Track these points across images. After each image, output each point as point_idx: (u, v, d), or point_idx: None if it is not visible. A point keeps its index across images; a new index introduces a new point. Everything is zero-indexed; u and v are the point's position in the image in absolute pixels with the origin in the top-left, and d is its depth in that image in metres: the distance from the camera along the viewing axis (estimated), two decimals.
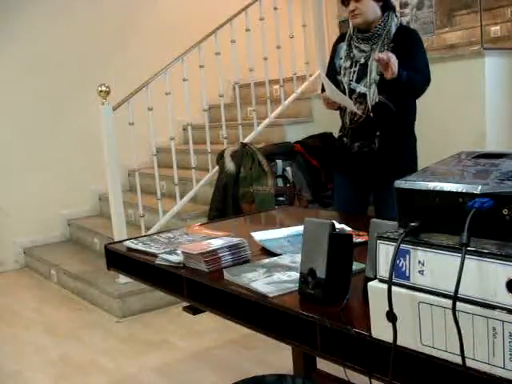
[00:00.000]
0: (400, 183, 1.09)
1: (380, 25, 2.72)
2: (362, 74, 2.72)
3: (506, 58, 3.87)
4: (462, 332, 0.94)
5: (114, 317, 3.61)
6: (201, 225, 2.28)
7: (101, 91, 3.58)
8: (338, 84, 2.76)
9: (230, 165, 3.86)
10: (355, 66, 2.76)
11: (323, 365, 2.24)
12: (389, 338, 1.05)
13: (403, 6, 4.33)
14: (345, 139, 2.85)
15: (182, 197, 4.16)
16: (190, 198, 4.21)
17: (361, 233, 1.78)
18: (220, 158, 4.00)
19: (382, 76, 2.64)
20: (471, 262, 0.94)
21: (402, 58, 2.61)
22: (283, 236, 1.91)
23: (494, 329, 0.92)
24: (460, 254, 0.94)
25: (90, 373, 2.90)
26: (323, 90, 2.79)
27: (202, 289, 1.65)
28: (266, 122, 4.53)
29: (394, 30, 2.72)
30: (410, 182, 1.08)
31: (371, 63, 2.71)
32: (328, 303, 1.30)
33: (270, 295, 1.40)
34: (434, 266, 1.00)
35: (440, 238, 1.02)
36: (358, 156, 2.80)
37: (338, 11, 4.87)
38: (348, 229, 1.86)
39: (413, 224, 1.05)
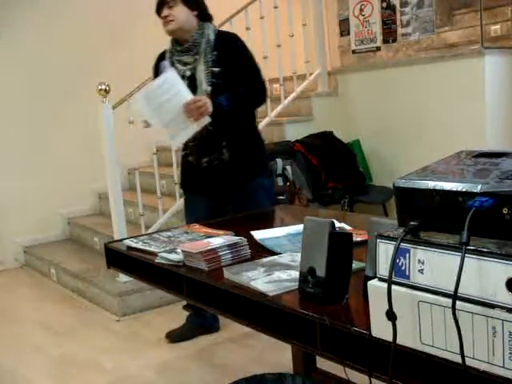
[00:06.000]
0: (400, 182, 1.09)
1: (197, 33, 2.67)
2: (192, 88, 2.63)
3: (506, 57, 3.87)
4: (462, 331, 0.94)
5: (113, 315, 3.61)
6: (201, 224, 2.28)
7: (100, 90, 3.57)
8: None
9: None
10: (183, 81, 2.65)
11: (323, 363, 2.25)
12: (388, 337, 1.05)
13: (403, 4, 4.33)
14: (190, 158, 2.80)
15: (181, 196, 4.16)
16: None
17: (360, 231, 1.78)
18: None
19: (214, 86, 2.60)
20: (471, 261, 0.94)
21: (230, 67, 2.59)
22: (283, 235, 1.91)
23: (493, 328, 0.92)
24: (460, 253, 0.94)
25: (90, 371, 2.90)
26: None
27: (201, 287, 1.65)
28: (266, 120, 4.52)
29: (213, 36, 2.68)
30: (410, 181, 1.08)
31: (199, 75, 2.65)
32: (328, 302, 1.30)
33: (270, 294, 1.40)
34: (434, 264, 1.00)
35: (440, 237, 1.02)
36: (209, 171, 2.75)
37: (338, 10, 4.87)
38: (348, 227, 1.86)
39: (413, 223, 1.05)
